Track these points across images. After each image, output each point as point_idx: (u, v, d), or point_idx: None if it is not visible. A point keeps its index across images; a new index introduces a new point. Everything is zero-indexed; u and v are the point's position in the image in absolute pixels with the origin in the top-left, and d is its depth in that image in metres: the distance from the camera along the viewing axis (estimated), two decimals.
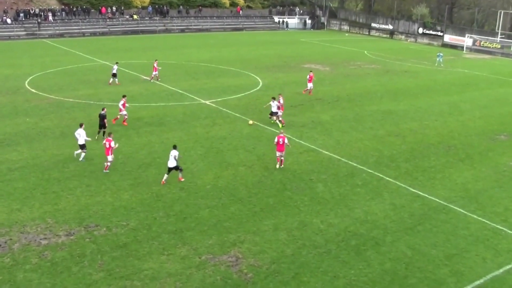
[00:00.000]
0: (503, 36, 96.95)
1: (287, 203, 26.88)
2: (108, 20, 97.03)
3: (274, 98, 39.55)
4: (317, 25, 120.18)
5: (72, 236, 22.45)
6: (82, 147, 31.02)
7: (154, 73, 53.13)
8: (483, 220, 26.48)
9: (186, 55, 69.92)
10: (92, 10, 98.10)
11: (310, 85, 50.80)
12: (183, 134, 36.55)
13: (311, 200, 27.31)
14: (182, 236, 22.91)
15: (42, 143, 33.88)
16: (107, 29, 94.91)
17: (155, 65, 53.17)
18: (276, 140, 31.09)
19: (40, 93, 46.68)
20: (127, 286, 19.22)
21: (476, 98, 54.25)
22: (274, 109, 39.25)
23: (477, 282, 21.07)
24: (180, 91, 48.73)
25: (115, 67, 51.74)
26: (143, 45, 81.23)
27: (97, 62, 63.71)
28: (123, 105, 37.87)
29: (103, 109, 35.18)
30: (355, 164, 32.82)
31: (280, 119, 39.29)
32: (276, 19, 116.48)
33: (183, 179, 28.71)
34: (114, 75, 51.34)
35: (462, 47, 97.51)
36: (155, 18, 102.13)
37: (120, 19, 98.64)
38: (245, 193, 27.65)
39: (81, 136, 30.86)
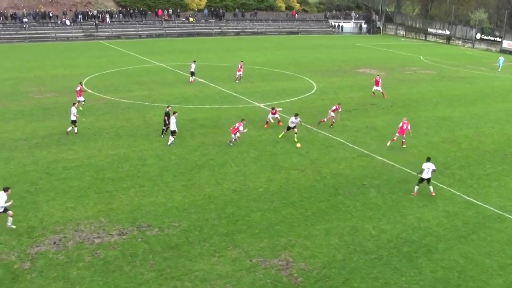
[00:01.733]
0: None
1: (339, 208, 26.87)
2: (164, 22, 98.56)
3: (297, 115, 36.74)
4: (373, 30, 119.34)
5: (124, 236, 22.92)
6: (74, 122, 35.66)
7: (238, 73, 55.44)
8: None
9: (241, 58, 70.26)
10: (149, 12, 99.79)
11: (376, 88, 51.18)
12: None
13: (363, 206, 27.23)
14: (233, 238, 23.16)
15: (97, 142, 34.70)
16: (163, 31, 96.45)
17: (239, 66, 55.57)
18: (400, 124, 36.07)
19: (96, 93, 47.82)
20: (178, 286, 19.53)
21: None
22: (292, 125, 36.43)
23: None
24: (234, 94, 49.18)
25: (193, 65, 53.86)
26: (198, 47, 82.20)
27: (152, 63, 64.83)
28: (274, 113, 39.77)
29: (168, 107, 36.66)
30: (409, 170, 32.52)
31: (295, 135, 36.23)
32: (332, 23, 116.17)
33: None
34: (192, 74, 53.77)
35: None
36: (211, 20, 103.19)
37: (176, 21, 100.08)
38: (297, 197, 27.76)
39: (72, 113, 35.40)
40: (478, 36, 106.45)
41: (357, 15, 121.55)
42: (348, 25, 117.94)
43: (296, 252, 22.33)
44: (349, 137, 38.12)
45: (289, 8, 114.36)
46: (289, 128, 36.59)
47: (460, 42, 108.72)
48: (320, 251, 22.59)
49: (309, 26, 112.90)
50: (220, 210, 25.81)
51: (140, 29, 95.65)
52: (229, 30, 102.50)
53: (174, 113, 34.97)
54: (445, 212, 27.18)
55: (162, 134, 36.30)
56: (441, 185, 30.61)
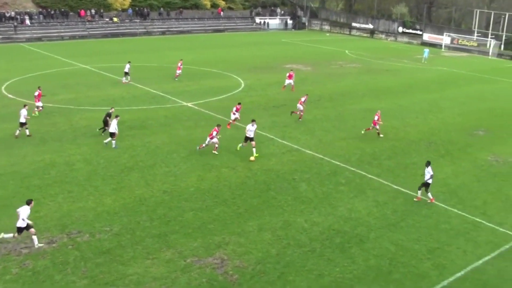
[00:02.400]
0: (479, 34, 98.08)
1: (271, 203, 27.03)
2: (87, 23, 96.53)
3: (253, 121, 33.79)
4: (298, 26, 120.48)
5: (54, 244, 22.27)
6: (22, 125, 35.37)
7: (178, 71, 55.94)
8: (463, 214, 26.93)
9: (167, 58, 69.79)
10: (71, 13, 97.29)
11: (289, 81, 52.18)
12: (165, 137, 36.54)
13: (295, 200, 27.49)
14: (166, 239, 22.95)
15: (21, 149, 33.46)
16: (87, 32, 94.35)
17: (179, 64, 56.21)
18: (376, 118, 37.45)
19: (18, 98, 46.03)
20: None
21: (455, 95, 54.82)
22: (251, 134, 33.17)
23: (459, 274, 21.54)
24: (162, 94, 48.70)
25: (128, 65, 53.50)
26: (123, 48, 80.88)
27: (76, 66, 63.37)
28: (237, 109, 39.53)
29: (111, 109, 37.08)
30: (338, 163, 33.06)
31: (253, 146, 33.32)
32: (257, 20, 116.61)
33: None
34: (126, 74, 53.31)
35: (441, 45, 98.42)
36: (136, 20, 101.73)
37: (99, 22, 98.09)
38: (229, 195, 27.76)
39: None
40: (400, 29, 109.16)
41: (282, 12, 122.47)
42: (274, 22, 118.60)
43: (230, 250, 22.33)
44: (278, 132, 38.40)
45: (214, 6, 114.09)
46: (247, 139, 33.30)
47: (383, 36, 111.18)
48: (254, 247, 22.67)
49: (235, 24, 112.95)
50: (152, 211, 25.52)
51: (62, 30, 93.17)
52: (154, 30, 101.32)
53: (116, 116, 34.48)
54: (374, 201, 27.78)
55: (102, 133, 36.15)
56: (370, 176, 31.25)
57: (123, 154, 33.06)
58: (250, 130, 33.02)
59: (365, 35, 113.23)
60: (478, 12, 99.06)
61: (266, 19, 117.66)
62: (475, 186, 30.60)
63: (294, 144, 36.16)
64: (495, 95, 57.09)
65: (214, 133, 33.01)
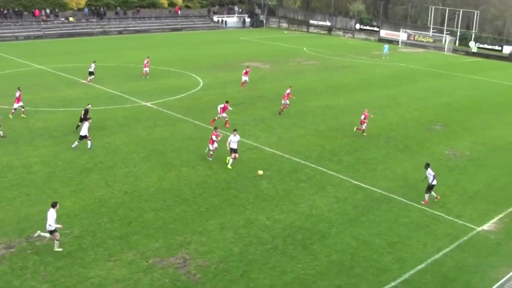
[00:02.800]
0: (435, 30, 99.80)
1: (232, 201, 27.03)
2: (42, 22, 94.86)
3: (235, 131, 32.12)
4: (256, 23, 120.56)
5: (12, 249, 21.80)
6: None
7: (145, 69, 56.01)
8: (423, 207, 27.40)
9: (125, 57, 69.12)
10: (25, 13, 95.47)
11: (245, 78, 52.70)
12: (124, 137, 36.17)
13: (256, 198, 27.53)
14: (128, 241, 22.73)
15: None
16: (42, 32, 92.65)
17: (146, 62, 56.21)
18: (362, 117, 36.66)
19: None
20: None
21: (412, 91, 55.61)
22: (235, 145, 31.68)
23: (419, 267, 21.91)
24: (120, 94, 48.17)
25: (93, 65, 53.00)
26: (80, 48, 79.65)
27: (32, 66, 62.20)
28: (224, 109, 38.92)
29: (88, 105, 37.75)
30: (298, 160, 33.23)
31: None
32: (215, 18, 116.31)
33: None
34: (90, 73, 52.71)
35: (398, 42, 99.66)
36: (92, 20, 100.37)
37: (55, 21, 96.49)
38: (190, 194, 27.65)
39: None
40: (358, 26, 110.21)
41: (240, 10, 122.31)
42: (232, 20, 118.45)
43: (192, 249, 22.25)
44: (238, 130, 38.27)
45: (172, 4, 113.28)
46: (232, 150, 31.65)
47: (341, 33, 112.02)
48: (216, 246, 22.64)
49: (192, 22, 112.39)
50: (112, 213, 25.24)
51: (16, 30, 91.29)
52: (111, 29, 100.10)
53: (88, 119, 34.17)
54: (335, 197, 28.00)
55: (76, 128, 36.46)
56: (330, 172, 31.49)
57: (82, 155, 32.59)
58: (233, 141, 31.53)
59: (323, 32, 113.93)
60: (433, 8, 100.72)
61: (224, 17, 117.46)
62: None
63: (254, 142, 36.20)
64: (451, 90, 58.11)
65: (214, 137, 32.22)
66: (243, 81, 53.36)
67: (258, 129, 39.28)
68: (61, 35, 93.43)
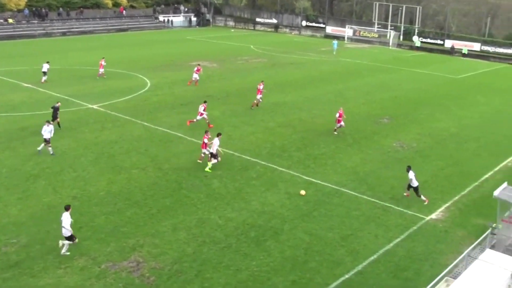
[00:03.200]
0: (380, 26, 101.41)
1: (184, 202, 26.87)
2: None
3: (207, 131, 32.33)
4: (203, 22, 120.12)
5: None
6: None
7: (101, 70, 56.03)
8: (373, 199, 27.79)
9: (70, 59, 67.81)
10: None
11: (195, 75, 53.16)
12: (71, 141, 35.46)
13: (208, 197, 27.44)
14: (79, 246, 22.28)
15: None
16: None
17: (102, 62, 56.15)
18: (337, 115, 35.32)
19: None
20: None
21: (359, 86, 56.35)
22: (214, 149, 31.03)
23: (372, 258, 22.30)
24: (66, 97, 47.13)
25: (45, 65, 53.20)
26: (21, 50, 77.65)
27: None
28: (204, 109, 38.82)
29: (57, 103, 38.35)
30: (248, 158, 33.26)
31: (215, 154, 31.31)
32: (161, 18, 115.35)
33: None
34: (44, 73, 52.93)
35: (344, 38, 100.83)
36: (33, 21, 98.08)
37: None
38: (141, 196, 27.35)
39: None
40: (304, 23, 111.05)
41: (186, 9, 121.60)
42: (178, 19, 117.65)
43: (145, 252, 22.03)
44: (187, 130, 38.14)
45: (116, 5, 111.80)
46: (212, 155, 30.92)
47: (287, 30, 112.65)
48: (169, 247, 22.48)
49: (138, 22, 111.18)
50: None
51: None
52: (54, 31, 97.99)
53: (48, 121, 33.33)
54: (286, 193, 28.13)
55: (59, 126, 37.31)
56: (281, 168, 31.62)
57: (27, 161, 31.79)
58: (215, 144, 31.02)
59: (269, 30, 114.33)
60: (377, 4, 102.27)
61: (169, 16, 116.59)
62: (382, 172, 31.62)
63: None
64: (397, 84, 59.11)
65: (205, 140, 31.43)
66: (193, 78, 53.44)
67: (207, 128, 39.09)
68: (0, 38, 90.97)
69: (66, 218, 21.61)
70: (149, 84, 53.65)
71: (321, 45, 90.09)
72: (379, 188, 29.31)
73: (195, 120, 38.93)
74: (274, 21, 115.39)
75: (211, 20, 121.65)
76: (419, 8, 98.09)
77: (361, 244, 23.38)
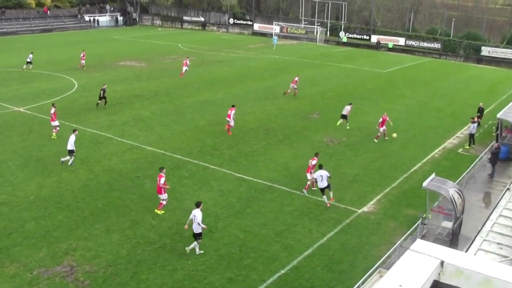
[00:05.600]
0: (306, 22, 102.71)
1: (116, 203, 26.55)
2: None
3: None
4: (129, 22, 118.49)
5: None
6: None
7: (82, 61, 60.93)
8: (306, 195, 28.11)
9: None
10: None
11: (185, 67, 58.46)
12: None
13: (140, 198, 27.22)
14: (9, 253, 21.70)
15: None
16: None
17: (83, 55, 61.09)
18: (309, 163, 29.03)
19: None
20: None
21: (288, 82, 56.70)
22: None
23: (306, 252, 22.65)
24: None
25: (31, 56, 58.65)
26: None
27: None
28: (229, 116, 38.15)
29: (104, 85, 44.26)
30: (180, 157, 33.15)
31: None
32: (87, 17, 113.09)
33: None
34: (28, 63, 58.56)
35: (271, 35, 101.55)
36: None
37: None
38: (72, 199, 26.84)
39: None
40: (231, 21, 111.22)
41: (112, 8, 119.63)
42: (104, 19, 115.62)
43: (79, 256, 21.67)
44: (116, 131, 37.67)
45: (40, 4, 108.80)
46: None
47: (215, 28, 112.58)
48: (103, 250, 22.19)
49: (63, 23, 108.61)
50: None
51: None
52: None
53: (74, 131, 32.02)
54: (219, 191, 28.22)
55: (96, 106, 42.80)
56: (213, 167, 31.68)
57: None
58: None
59: (197, 28, 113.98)
60: (303, 1, 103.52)
61: (95, 16, 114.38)
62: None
63: (134, 142, 35.68)
64: (325, 79, 60.13)
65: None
66: (183, 71, 58.03)
67: (137, 128, 38.75)
68: None
69: (199, 215, 21.90)
70: (76, 85, 52.58)
71: (249, 42, 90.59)
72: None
73: (231, 125, 38.24)
74: (202, 19, 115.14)
75: (137, 19, 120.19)
76: (345, 4, 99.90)
77: (296, 239, 23.71)
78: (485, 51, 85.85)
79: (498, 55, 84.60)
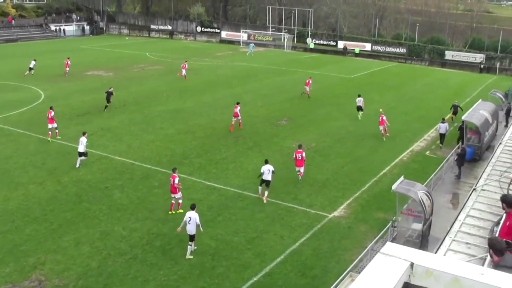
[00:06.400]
0: (274, 29, 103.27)
1: (85, 215, 26.21)
2: None
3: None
4: (96, 31, 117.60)
5: None
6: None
7: (66, 68, 62.72)
8: (276, 201, 28.15)
9: None
10: None
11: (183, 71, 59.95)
12: None
13: (110, 208, 26.92)
14: None
15: None
16: None
17: (67, 62, 63.38)
18: (294, 156, 30.96)
19: None
20: None
21: (257, 89, 57.09)
22: None
23: (279, 259, 22.63)
24: None
25: (33, 62, 61.61)
26: None
27: None
28: (236, 114, 40.93)
29: (110, 88, 46.83)
30: (149, 166, 32.92)
31: None
32: (53, 27, 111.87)
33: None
34: (30, 69, 61.24)
35: (239, 42, 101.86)
36: None
37: None
38: (40, 212, 26.42)
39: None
40: (199, 29, 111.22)
41: (78, 17, 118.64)
42: (70, 28, 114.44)
43: (47, 269, 21.31)
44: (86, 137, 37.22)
45: (3, 14, 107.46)
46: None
47: (182, 36, 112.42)
48: (73, 262, 21.87)
49: (28, 32, 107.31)
50: None
51: None
52: None
53: (84, 133, 33.13)
54: (189, 200, 27.88)
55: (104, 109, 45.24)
56: (183, 175, 31.39)
57: None
58: None
59: (164, 36, 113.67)
60: (270, 8, 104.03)
61: (61, 26, 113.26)
62: (284, 174, 32.04)
63: (103, 152, 35.33)
64: (294, 85, 60.31)
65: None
66: (182, 74, 61.49)
67: (106, 138, 38.39)
68: None
69: (196, 217, 22.26)
70: (43, 96, 51.92)
71: (217, 50, 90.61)
72: (282, 189, 29.78)
73: (233, 122, 41.00)
74: (169, 27, 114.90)
75: (104, 28, 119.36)
76: (311, 11, 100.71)
77: (268, 246, 23.67)
78: (449, 55, 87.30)
79: (461, 59, 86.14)
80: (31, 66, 61.27)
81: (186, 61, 65.26)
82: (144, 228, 24.95)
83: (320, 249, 23.66)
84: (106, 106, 45.80)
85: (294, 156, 31.07)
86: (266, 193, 28.34)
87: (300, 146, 32.01)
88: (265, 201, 28.03)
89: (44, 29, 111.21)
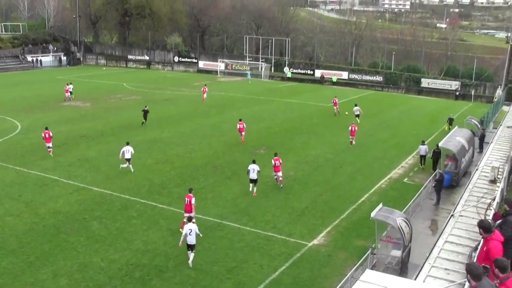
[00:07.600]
0: (251, 58, 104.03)
1: (63, 246, 25.91)
2: None
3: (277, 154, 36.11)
4: (73, 61, 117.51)
5: None
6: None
7: (66, 94, 67.38)
8: (256, 230, 28.12)
9: None
10: None
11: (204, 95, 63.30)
12: None
13: (88, 239, 26.66)
14: None
15: None
16: None
17: (66, 87, 68.31)
18: (273, 163, 34.79)
19: None
20: None
21: (235, 118, 56.99)
22: None
23: None
24: None
25: (71, 86, 68.84)
26: None
27: None
28: (241, 129, 46.36)
29: (146, 106, 53.61)
30: (127, 197, 32.72)
31: None
32: (29, 58, 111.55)
33: None
34: (71, 93, 67.52)
35: (216, 72, 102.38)
36: None
37: None
38: (17, 244, 26.05)
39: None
40: (176, 59, 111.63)
41: (55, 48, 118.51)
42: (47, 59, 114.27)
43: None
44: (62, 172, 37.00)
45: None
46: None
47: (160, 66, 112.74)
48: None
49: (4, 63, 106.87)
50: None
51: None
52: None
53: (127, 143, 37.98)
54: (169, 230, 27.92)
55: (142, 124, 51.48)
56: (161, 206, 31.38)
57: None
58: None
59: (142, 66, 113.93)
60: (247, 38, 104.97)
61: (38, 56, 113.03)
62: (263, 202, 32.12)
63: (81, 183, 35.07)
64: (271, 114, 60.69)
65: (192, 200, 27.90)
66: (204, 97, 67.52)
67: (84, 169, 38.15)
68: None
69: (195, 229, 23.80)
70: (19, 127, 51.58)
71: (194, 80, 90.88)
72: (261, 218, 29.77)
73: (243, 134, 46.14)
74: (146, 58, 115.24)
75: (81, 59, 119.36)
76: (288, 40, 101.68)
77: (247, 275, 23.56)
78: (425, 82, 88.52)
79: (437, 86, 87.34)
80: (71, 90, 67.69)
81: (205, 85, 72.13)
82: (123, 259, 24.72)
83: (300, 278, 23.60)
84: (143, 123, 52.32)
85: (273, 163, 34.68)
86: (255, 189, 33.28)
87: (276, 154, 35.63)
88: (254, 195, 32.89)
89: (21, 60, 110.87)
